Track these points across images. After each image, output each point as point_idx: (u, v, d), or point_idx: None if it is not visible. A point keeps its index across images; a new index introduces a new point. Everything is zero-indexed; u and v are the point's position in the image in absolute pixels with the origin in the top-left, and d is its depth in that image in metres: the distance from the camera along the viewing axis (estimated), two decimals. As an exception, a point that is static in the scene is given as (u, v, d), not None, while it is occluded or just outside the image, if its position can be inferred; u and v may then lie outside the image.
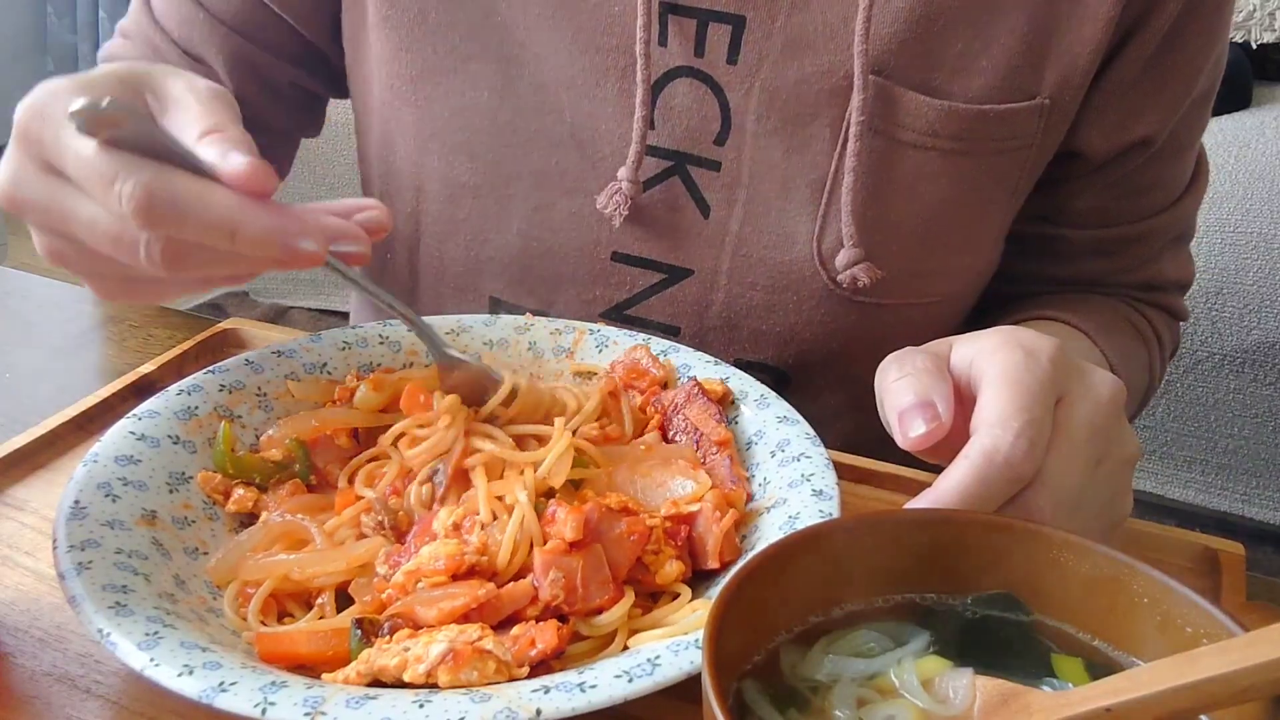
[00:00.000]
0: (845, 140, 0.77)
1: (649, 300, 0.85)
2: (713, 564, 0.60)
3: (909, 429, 0.54)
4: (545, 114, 0.82)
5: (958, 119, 0.77)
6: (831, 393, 0.86)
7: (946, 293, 0.86)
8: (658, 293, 0.85)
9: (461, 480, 0.63)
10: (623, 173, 0.80)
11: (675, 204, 0.82)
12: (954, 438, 0.53)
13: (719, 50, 0.78)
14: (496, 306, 0.88)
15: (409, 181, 0.87)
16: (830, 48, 0.76)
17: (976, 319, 0.93)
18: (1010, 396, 0.52)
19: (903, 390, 0.55)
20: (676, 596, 0.59)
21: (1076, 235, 0.88)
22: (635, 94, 0.78)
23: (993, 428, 0.52)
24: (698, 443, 0.67)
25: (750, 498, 0.65)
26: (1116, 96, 0.80)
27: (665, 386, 0.74)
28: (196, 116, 0.55)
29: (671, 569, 0.59)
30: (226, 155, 0.52)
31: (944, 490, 0.51)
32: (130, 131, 0.51)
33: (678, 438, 0.68)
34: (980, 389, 0.54)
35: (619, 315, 0.86)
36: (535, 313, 0.86)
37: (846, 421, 0.86)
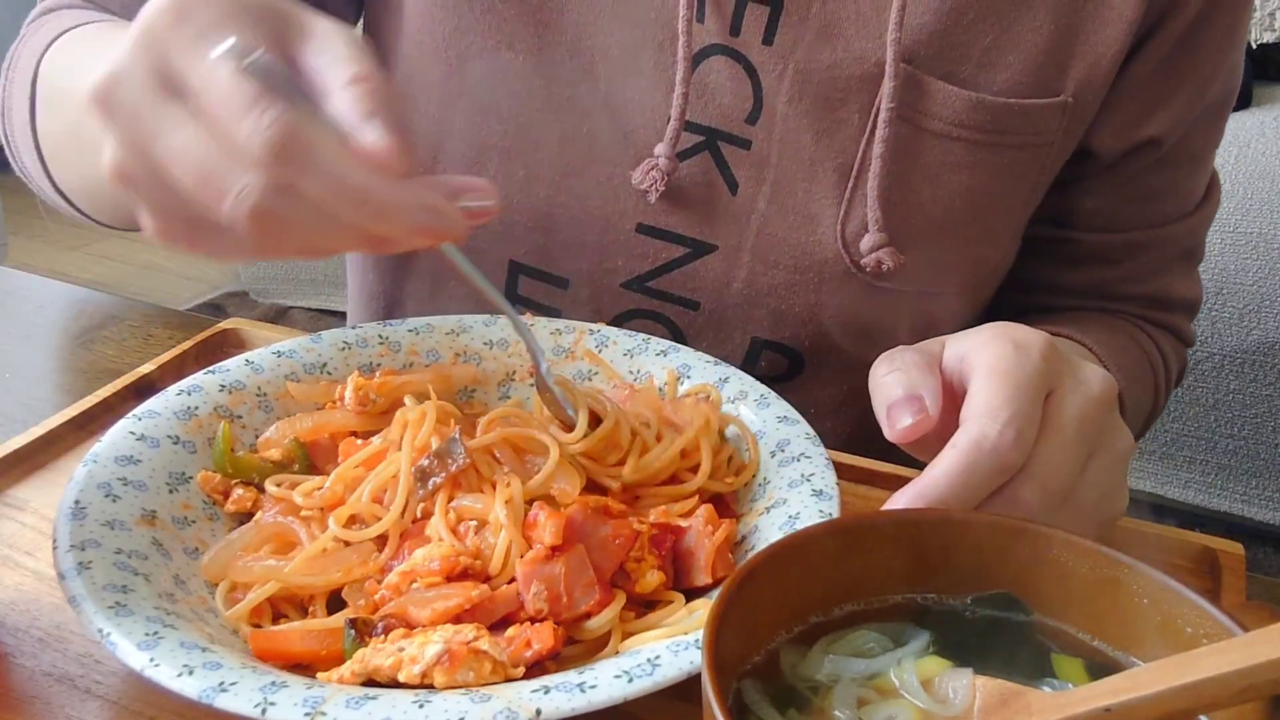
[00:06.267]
0: (874, 127, 0.78)
1: (671, 273, 0.85)
2: (704, 579, 0.59)
3: (896, 421, 0.55)
4: (579, 82, 0.82)
5: (984, 111, 0.78)
6: (844, 378, 0.87)
7: (963, 283, 0.86)
8: (680, 266, 0.85)
9: (450, 484, 0.63)
10: (660, 149, 0.80)
11: (704, 179, 0.82)
12: (945, 433, 0.54)
13: (755, 31, 0.79)
14: (516, 270, 0.88)
15: (427, 141, 0.87)
16: (863, 34, 0.77)
17: None
18: (999, 388, 0.53)
19: (892, 384, 0.56)
20: (671, 603, 0.59)
21: (1084, 238, 0.88)
22: (671, 69, 0.79)
23: (980, 417, 0.52)
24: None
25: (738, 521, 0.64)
26: (1128, 95, 0.81)
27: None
28: (344, 58, 0.49)
29: (652, 579, 0.58)
30: (370, 119, 0.47)
31: (931, 479, 0.51)
32: (272, 72, 0.47)
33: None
34: (970, 382, 0.55)
35: (640, 286, 0.86)
36: (553, 281, 0.86)
37: (858, 406, 0.86)
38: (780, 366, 0.87)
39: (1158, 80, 0.81)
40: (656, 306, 0.86)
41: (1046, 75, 0.78)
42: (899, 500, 0.52)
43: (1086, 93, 0.79)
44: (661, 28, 0.79)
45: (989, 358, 0.54)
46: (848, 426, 0.87)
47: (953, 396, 0.56)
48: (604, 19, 0.80)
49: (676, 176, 0.82)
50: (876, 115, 0.77)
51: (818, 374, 0.87)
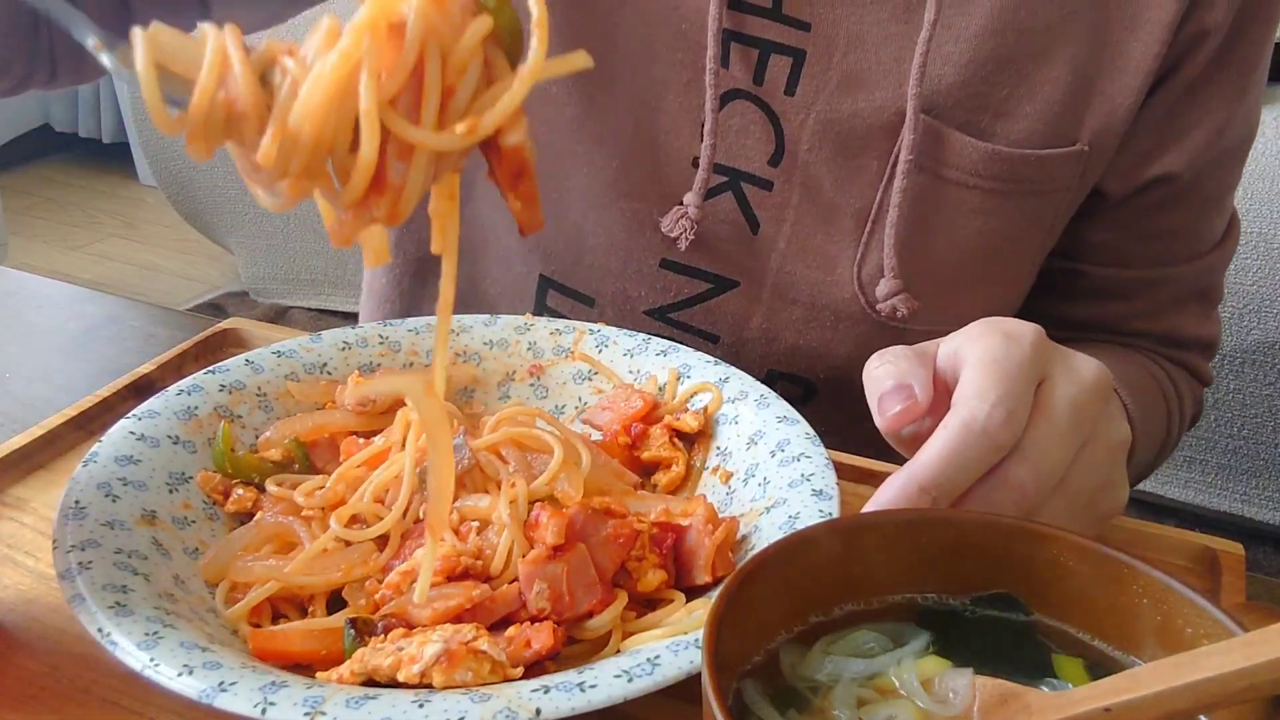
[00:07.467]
0: (892, 174, 0.79)
1: (693, 307, 0.87)
2: (705, 578, 0.59)
3: (887, 409, 0.56)
4: (610, 118, 0.83)
5: (1000, 161, 0.78)
6: (855, 404, 0.87)
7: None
8: (703, 301, 0.86)
9: (455, 485, 0.63)
10: (689, 198, 0.82)
11: (727, 219, 0.84)
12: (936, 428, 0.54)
13: (778, 81, 0.80)
14: (546, 284, 0.90)
15: None
16: (883, 85, 0.78)
17: None
18: (988, 373, 0.53)
19: (883, 376, 0.57)
20: (671, 602, 0.59)
21: (1094, 272, 0.88)
22: (695, 110, 0.80)
23: (969, 400, 0.53)
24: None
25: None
26: (1135, 136, 0.81)
27: (656, 407, 0.73)
28: None
29: (653, 578, 0.59)
30: None
31: (923, 461, 0.52)
32: None
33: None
34: (961, 372, 0.55)
35: (662, 316, 0.88)
36: (580, 299, 0.87)
37: (868, 430, 0.86)
38: (794, 394, 0.88)
39: (1166, 123, 0.81)
40: (678, 335, 0.87)
41: (1063, 125, 0.78)
42: (892, 485, 0.52)
43: (1102, 140, 0.79)
44: (685, 68, 0.80)
45: (980, 348, 0.55)
46: (858, 449, 0.88)
47: (948, 394, 0.56)
48: (635, 58, 0.81)
49: (700, 215, 0.82)
50: (894, 163, 0.78)
51: (830, 401, 0.87)
